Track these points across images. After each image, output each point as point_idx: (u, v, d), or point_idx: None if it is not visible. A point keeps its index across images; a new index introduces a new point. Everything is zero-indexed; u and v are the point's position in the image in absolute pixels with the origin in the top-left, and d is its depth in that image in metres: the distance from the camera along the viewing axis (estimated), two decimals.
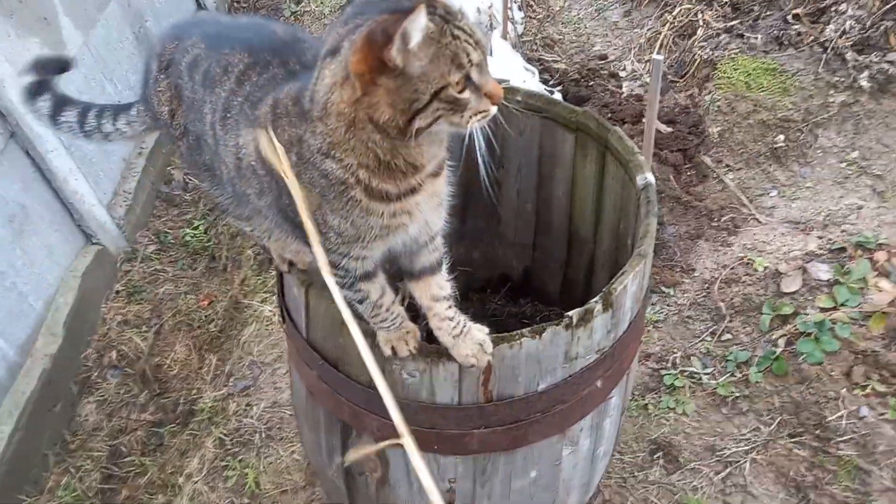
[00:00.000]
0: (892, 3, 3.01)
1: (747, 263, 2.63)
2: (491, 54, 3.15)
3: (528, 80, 3.15)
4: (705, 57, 3.36)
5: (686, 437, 2.26)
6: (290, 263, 1.40)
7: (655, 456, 2.22)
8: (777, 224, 2.79)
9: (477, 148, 0.96)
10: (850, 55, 3.03)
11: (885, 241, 2.52)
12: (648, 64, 3.51)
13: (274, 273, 2.00)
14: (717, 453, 2.21)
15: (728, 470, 2.17)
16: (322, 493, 2.16)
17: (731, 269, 2.64)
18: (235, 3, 4.31)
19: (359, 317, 1.25)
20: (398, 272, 1.29)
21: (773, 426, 2.24)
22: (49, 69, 1.44)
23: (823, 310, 2.36)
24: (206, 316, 2.69)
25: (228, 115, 1.12)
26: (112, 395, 2.45)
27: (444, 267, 1.27)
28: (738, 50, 3.30)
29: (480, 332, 1.24)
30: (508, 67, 3.13)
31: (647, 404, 2.34)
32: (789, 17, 3.30)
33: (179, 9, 3.72)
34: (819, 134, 3.03)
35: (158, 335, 2.63)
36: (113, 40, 3.09)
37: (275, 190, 1.09)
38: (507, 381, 1.28)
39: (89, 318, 2.61)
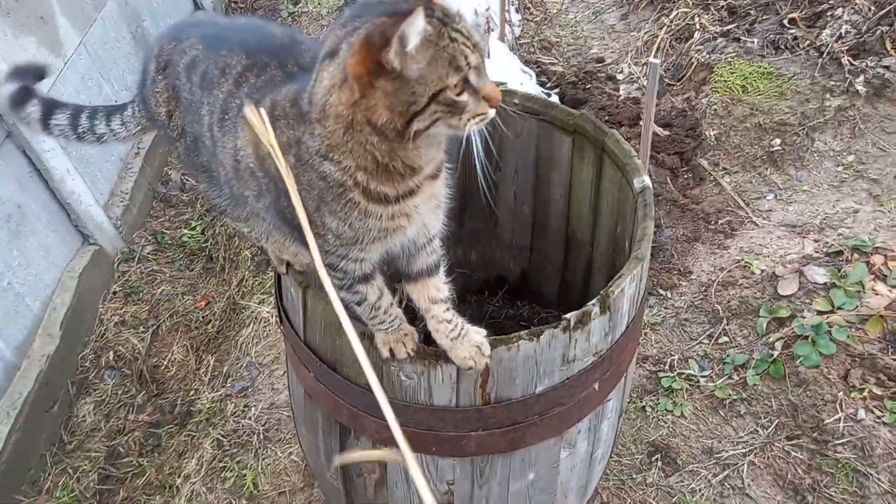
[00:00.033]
0: (888, 8, 3.03)
1: (744, 266, 2.63)
2: (488, 56, 3.16)
3: (525, 82, 3.16)
4: (702, 60, 3.37)
5: (684, 439, 2.27)
6: (288, 265, 1.40)
7: (653, 458, 2.22)
8: (774, 227, 2.80)
9: (474, 151, 0.96)
10: (845, 60, 3.04)
11: (881, 245, 2.53)
12: (645, 67, 3.52)
13: (271, 274, 2.00)
14: (715, 456, 2.22)
15: (726, 472, 2.18)
16: (320, 494, 2.16)
17: (728, 272, 2.64)
18: (233, 3, 4.31)
19: (357, 319, 1.25)
20: (396, 273, 1.29)
21: (770, 429, 2.24)
22: (28, 77, 1.41)
23: (820, 313, 2.37)
24: (203, 317, 2.69)
25: (226, 116, 1.12)
26: (109, 395, 2.45)
27: (442, 269, 1.27)
28: (734, 54, 3.32)
29: (478, 334, 1.24)
30: (506, 70, 3.14)
31: (644, 406, 2.34)
32: (785, 22, 3.32)
33: (177, 8, 3.72)
34: (815, 138, 3.04)
35: (156, 336, 2.63)
36: (110, 39, 3.09)
37: (273, 192, 1.09)
38: (504, 384, 1.28)
39: (86, 318, 2.60)
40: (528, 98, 1.79)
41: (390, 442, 1.39)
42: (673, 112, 3.27)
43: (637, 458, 2.23)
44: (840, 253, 2.55)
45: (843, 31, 3.11)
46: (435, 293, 1.25)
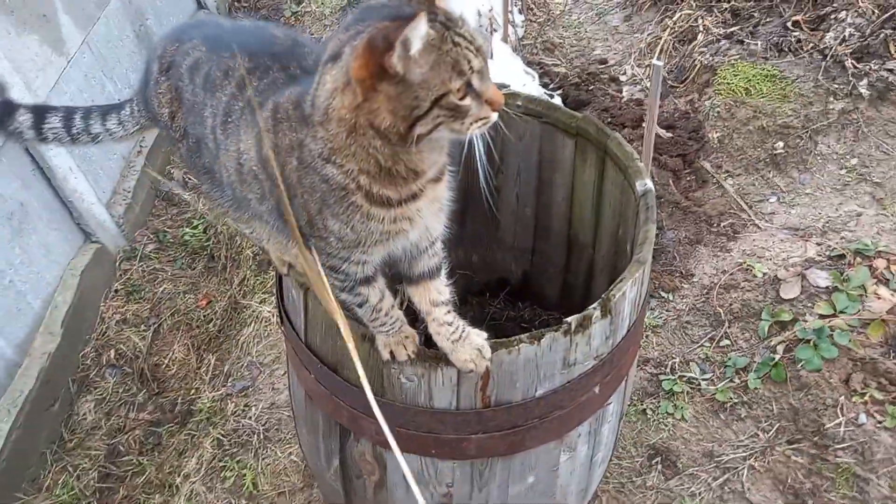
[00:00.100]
0: (892, 11, 3.02)
1: (746, 269, 2.63)
2: (491, 57, 3.15)
3: (528, 83, 3.16)
4: (705, 62, 3.37)
5: (684, 442, 2.27)
6: (290, 266, 1.40)
7: (654, 461, 2.22)
8: (776, 230, 2.79)
9: (476, 154, 0.96)
10: (849, 63, 3.03)
11: (884, 249, 2.52)
12: (648, 69, 3.52)
13: (273, 274, 2.01)
14: (716, 459, 2.21)
15: (726, 476, 2.17)
16: (320, 495, 2.16)
17: (731, 274, 2.64)
18: (236, 3, 4.31)
19: (358, 321, 1.25)
20: (397, 274, 1.29)
21: (771, 433, 2.24)
22: None
23: (822, 317, 2.36)
24: (204, 316, 2.69)
25: (229, 119, 1.12)
26: (110, 394, 2.45)
27: (444, 272, 1.27)
28: (737, 56, 3.31)
29: (479, 337, 1.24)
30: (509, 71, 3.14)
31: (645, 409, 2.34)
32: (789, 24, 3.31)
33: (180, 7, 3.72)
34: (818, 141, 3.04)
35: (157, 334, 2.63)
36: (113, 38, 3.09)
37: (276, 195, 1.09)
38: (505, 387, 1.28)
39: (88, 316, 2.61)
40: (531, 100, 1.78)
41: (389, 444, 1.40)
42: (676, 114, 3.26)
43: (637, 462, 2.23)
44: (842, 256, 2.54)
45: (846, 34, 3.11)
46: (436, 296, 1.25)
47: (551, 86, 3.44)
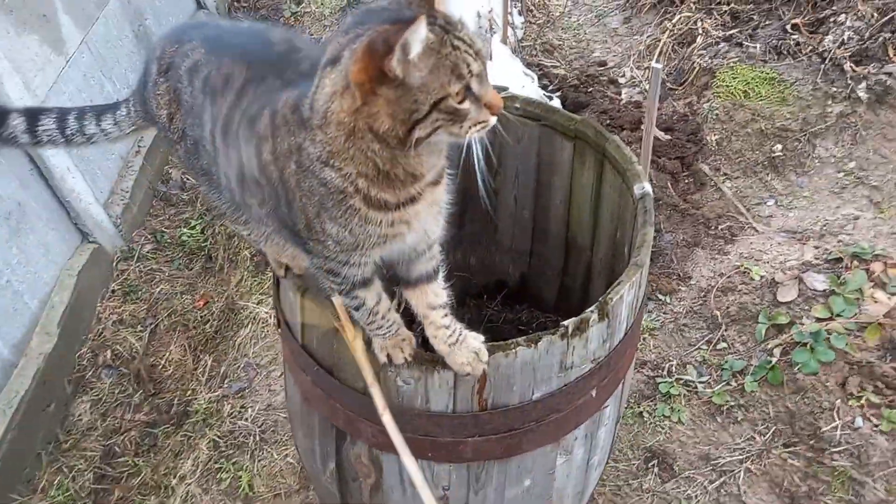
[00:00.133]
0: (891, 15, 3.02)
1: (744, 272, 2.63)
2: (490, 59, 3.15)
3: (527, 85, 3.16)
4: (704, 65, 3.37)
5: (681, 445, 2.27)
6: (287, 268, 1.39)
7: (650, 464, 2.22)
8: (774, 233, 2.80)
9: (475, 158, 0.96)
10: (848, 66, 3.04)
11: (881, 252, 2.53)
12: (647, 71, 3.52)
13: (270, 275, 2.00)
14: (712, 462, 2.21)
15: (722, 479, 2.17)
16: (315, 497, 2.16)
17: (728, 277, 2.64)
18: (235, 3, 4.30)
19: (354, 323, 1.25)
20: (394, 276, 1.28)
21: (767, 436, 2.24)
22: None
23: (819, 320, 2.37)
24: (201, 316, 2.68)
25: (229, 129, 1.12)
26: (106, 394, 2.44)
27: (441, 275, 1.27)
28: (736, 59, 3.31)
29: (476, 340, 1.24)
30: (508, 72, 3.14)
31: (642, 412, 2.34)
32: (788, 27, 3.31)
33: (179, 7, 3.72)
34: (817, 144, 3.04)
35: (153, 335, 2.62)
36: (112, 38, 3.09)
37: (274, 198, 1.09)
38: (501, 390, 1.28)
39: (84, 317, 2.60)
40: (530, 103, 1.78)
41: (387, 447, 1.40)
42: (674, 116, 3.27)
43: (634, 464, 2.23)
44: (840, 260, 2.54)
45: (845, 37, 3.11)
46: (433, 299, 1.25)
47: (550, 87, 3.44)
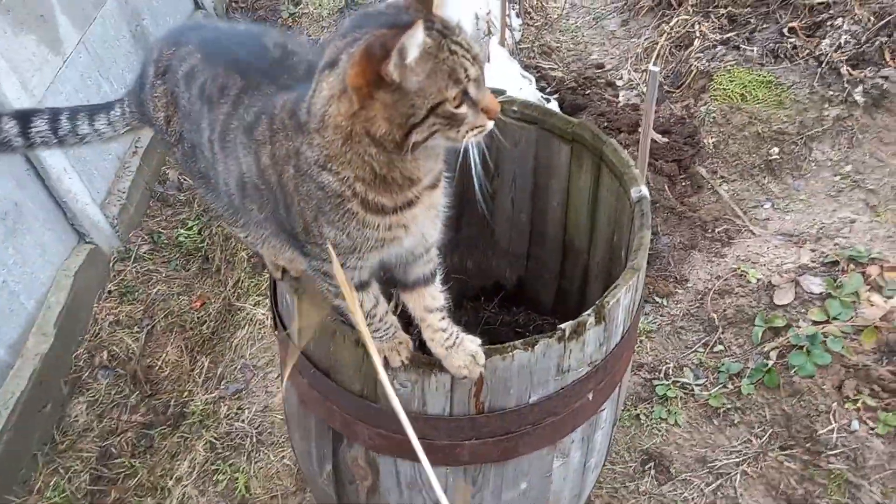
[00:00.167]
0: (887, 19, 3.03)
1: (740, 275, 2.64)
2: (488, 61, 3.16)
3: (524, 87, 3.16)
4: (701, 68, 3.38)
5: (677, 448, 2.27)
6: (284, 271, 1.39)
7: (647, 466, 2.23)
8: (770, 236, 2.80)
9: (472, 162, 0.96)
10: (844, 70, 3.05)
11: (877, 256, 2.53)
12: (645, 73, 3.52)
13: (267, 276, 2.00)
14: (709, 465, 2.22)
15: (719, 482, 2.18)
16: (312, 499, 2.16)
17: (725, 280, 2.65)
18: (233, 3, 4.30)
19: (351, 326, 1.25)
20: (392, 278, 1.29)
21: (764, 438, 2.25)
22: None
23: (815, 323, 2.37)
24: (198, 317, 2.68)
25: (227, 137, 1.12)
26: (103, 395, 2.44)
27: (438, 278, 1.27)
28: (734, 62, 3.32)
29: (473, 343, 1.24)
30: (505, 74, 3.14)
31: (639, 414, 2.34)
32: (785, 31, 3.32)
33: (177, 7, 3.71)
34: (813, 147, 3.05)
35: (150, 336, 2.62)
36: (110, 38, 3.08)
37: (272, 202, 1.09)
38: (498, 393, 1.28)
39: (81, 317, 2.60)
40: (527, 106, 1.79)
41: (383, 449, 1.40)
42: (672, 119, 3.27)
43: (630, 467, 2.23)
44: (836, 263, 2.55)
45: (842, 41, 3.12)
46: (431, 302, 1.25)
47: (548, 90, 3.44)
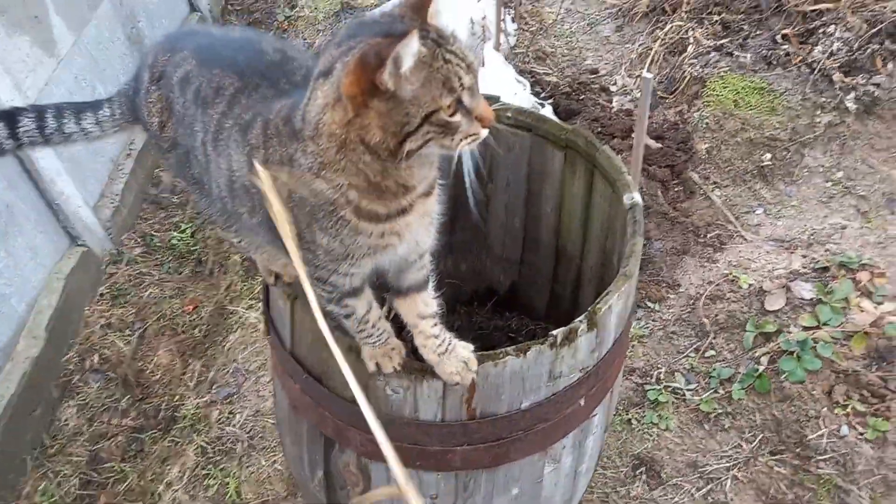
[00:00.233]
0: (879, 26, 3.06)
1: (732, 280, 2.65)
2: (483, 65, 3.16)
3: (519, 92, 3.17)
4: (695, 74, 3.40)
5: (668, 452, 2.28)
6: (277, 276, 1.39)
7: (638, 471, 2.23)
8: (762, 242, 2.82)
9: (465, 171, 0.96)
10: (836, 76, 3.07)
11: (867, 262, 2.55)
12: (639, 79, 3.54)
13: (260, 280, 2.00)
14: (699, 469, 2.23)
15: (709, 486, 2.19)
16: None
17: (716, 285, 2.66)
18: (229, 6, 4.29)
19: (344, 332, 1.25)
20: (384, 284, 1.29)
21: (754, 443, 2.26)
22: None
23: (806, 328, 2.39)
24: (190, 321, 2.67)
25: (220, 137, 1.12)
26: (93, 399, 2.42)
27: (431, 284, 1.28)
28: (727, 68, 3.34)
29: (465, 349, 1.24)
30: (500, 79, 3.15)
31: (630, 419, 2.35)
32: (778, 38, 3.35)
33: (172, 10, 3.71)
34: (805, 153, 3.07)
35: (142, 339, 2.61)
36: (105, 40, 3.07)
37: (265, 208, 1.09)
38: (490, 399, 1.29)
39: (72, 320, 2.58)
40: (521, 112, 1.79)
41: (375, 455, 1.40)
42: (665, 125, 3.29)
43: (622, 472, 2.23)
44: (827, 269, 2.57)
45: (834, 48, 3.14)
46: (423, 308, 1.25)
47: (542, 94, 3.45)
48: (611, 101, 3.48)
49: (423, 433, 1.31)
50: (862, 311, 2.39)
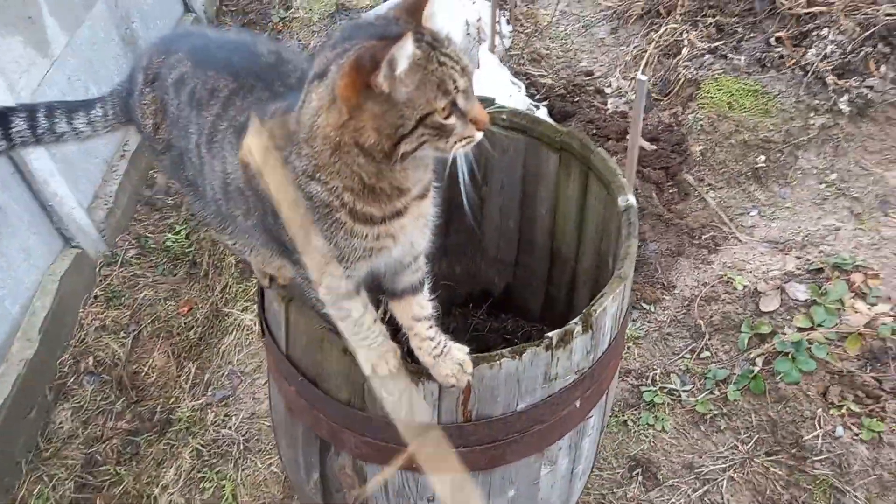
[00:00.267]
0: (872, 29, 3.08)
1: (727, 282, 2.66)
2: (478, 67, 3.17)
3: (514, 94, 3.17)
4: (689, 76, 3.41)
5: (665, 453, 2.28)
6: (272, 279, 1.39)
7: (634, 472, 2.23)
8: (756, 243, 2.83)
9: (460, 173, 0.96)
10: (830, 79, 3.09)
11: (861, 263, 2.56)
12: (634, 81, 3.55)
13: (255, 282, 2.00)
14: (695, 471, 2.23)
15: (706, 487, 2.19)
16: None
17: (711, 287, 2.67)
18: (224, 7, 4.29)
19: (338, 334, 1.25)
20: (379, 286, 1.29)
21: (750, 444, 2.26)
22: None
23: (801, 330, 2.40)
24: (185, 323, 2.66)
25: (215, 139, 1.12)
26: (88, 402, 2.41)
27: (426, 286, 1.28)
28: (721, 70, 3.35)
29: (460, 352, 1.24)
30: (495, 81, 3.15)
31: (626, 420, 2.35)
32: (772, 40, 3.36)
33: (167, 11, 3.70)
34: (799, 155, 3.09)
35: (136, 342, 2.60)
36: (99, 41, 3.07)
37: (261, 210, 1.09)
38: (486, 401, 1.29)
39: (66, 322, 2.57)
40: (516, 114, 1.80)
41: (370, 457, 1.40)
42: (659, 127, 3.30)
43: (618, 473, 2.24)
44: (821, 270, 2.58)
45: (828, 50, 3.16)
46: (419, 311, 1.25)
47: (537, 97, 3.46)
48: (605, 104, 3.49)
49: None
50: (856, 312, 2.40)
